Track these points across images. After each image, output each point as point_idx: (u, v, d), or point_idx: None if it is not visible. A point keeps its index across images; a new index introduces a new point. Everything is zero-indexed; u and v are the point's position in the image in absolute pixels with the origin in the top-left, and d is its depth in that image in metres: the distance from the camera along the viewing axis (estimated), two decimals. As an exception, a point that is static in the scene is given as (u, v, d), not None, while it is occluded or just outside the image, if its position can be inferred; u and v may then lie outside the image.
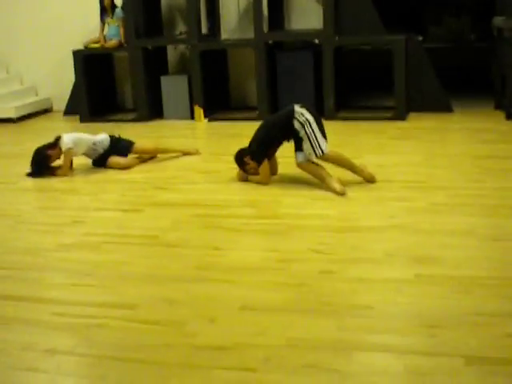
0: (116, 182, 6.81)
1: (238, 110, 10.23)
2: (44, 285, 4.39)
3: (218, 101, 10.18)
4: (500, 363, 3.17)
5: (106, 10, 10.11)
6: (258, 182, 6.26)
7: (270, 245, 4.87)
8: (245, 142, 7.03)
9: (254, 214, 5.57)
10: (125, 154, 7.31)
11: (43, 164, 7.02)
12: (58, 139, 7.06)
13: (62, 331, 3.78)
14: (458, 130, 8.59)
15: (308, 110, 6.10)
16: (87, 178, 6.96)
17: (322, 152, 5.94)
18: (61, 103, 11.17)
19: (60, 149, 7.02)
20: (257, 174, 6.29)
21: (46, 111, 11.36)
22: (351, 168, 6.06)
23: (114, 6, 10.09)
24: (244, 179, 6.39)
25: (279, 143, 6.29)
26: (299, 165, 6.09)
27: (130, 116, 10.23)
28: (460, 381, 3.06)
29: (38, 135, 9.61)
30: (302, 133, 5.98)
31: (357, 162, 6.16)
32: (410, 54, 9.23)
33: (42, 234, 5.35)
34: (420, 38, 10.60)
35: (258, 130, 6.32)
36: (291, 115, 6.05)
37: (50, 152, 7.03)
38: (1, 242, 5.22)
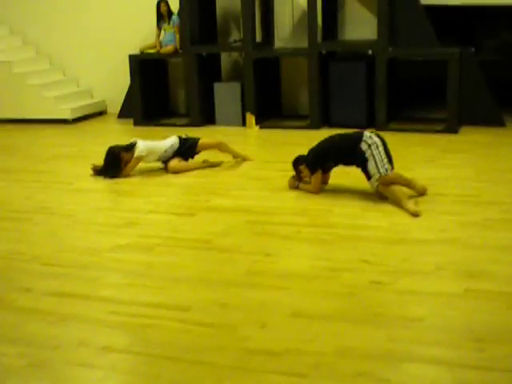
0: (170, 185, 6.95)
1: (290, 118, 10.31)
2: (100, 284, 4.52)
3: (269, 108, 10.28)
4: (550, 380, 3.19)
5: (162, 17, 10.30)
6: (309, 191, 6.32)
7: (321, 253, 4.93)
8: (296, 150, 7.12)
9: (306, 222, 5.62)
10: (190, 156, 7.48)
11: (116, 165, 7.24)
12: (133, 145, 7.29)
13: (117, 329, 3.90)
14: (510, 145, 8.53)
15: (377, 135, 6.16)
16: (142, 181, 7.10)
17: (386, 171, 5.97)
18: (115, 106, 11.41)
19: (133, 154, 7.23)
20: (309, 183, 6.36)
21: (101, 113, 11.61)
22: (407, 184, 6.06)
23: (170, 13, 10.27)
24: (294, 187, 6.46)
25: (337, 162, 6.33)
26: (377, 192, 6.05)
27: (183, 121, 10.38)
28: (509, 396, 3.09)
29: (92, 137, 9.87)
30: (368, 153, 6.03)
31: (408, 175, 6.18)
32: (464, 66, 9.20)
33: (97, 234, 5.50)
34: (473, 50, 10.57)
35: (322, 142, 6.39)
36: (360, 138, 6.11)
37: (124, 155, 7.25)
38: (59, 241, 5.38)
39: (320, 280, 4.43)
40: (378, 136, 6.16)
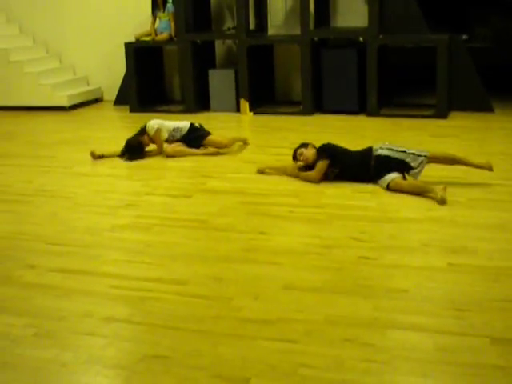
0: (167, 169, 7.17)
1: (283, 104, 10.52)
2: (102, 261, 4.74)
3: (263, 95, 10.48)
4: (524, 344, 3.43)
5: (157, 5, 10.49)
6: (309, 179, 6.38)
7: (312, 231, 5.16)
8: (289, 135, 7.36)
9: (298, 202, 5.85)
10: (196, 146, 7.67)
11: (140, 150, 7.56)
12: (143, 128, 7.63)
13: (119, 302, 4.12)
14: (497, 130, 8.77)
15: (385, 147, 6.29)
16: (139, 165, 7.31)
17: (426, 154, 6.11)
18: (111, 93, 11.60)
19: (148, 135, 7.56)
20: (302, 169, 6.52)
21: (97, 101, 11.80)
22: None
23: (165, 1, 10.46)
24: (291, 174, 6.59)
25: (343, 171, 6.38)
26: (391, 186, 6.03)
27: (178, 107, 10.57)
28: (485, 358, 3.32)
29: (89, 123, 10.07)
30: (394, 155, 6.16)
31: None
32: (453, 53, 9.41)
33: (97, 216, 5.71)
34: (465, 37, 10.76)
35: (341, 148, 6.50)
36: (370, 153, 6.26)
37: (141, 138, 7.57)
38: (61, 222, 5.60)
39: (311, 256, 4.66)
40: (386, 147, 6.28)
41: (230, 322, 3.78)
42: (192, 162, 7.33)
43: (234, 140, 7.85)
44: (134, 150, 7.52)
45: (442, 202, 5.60)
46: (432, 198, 5.72)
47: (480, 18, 15.11)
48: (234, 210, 5.73)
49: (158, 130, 7.58)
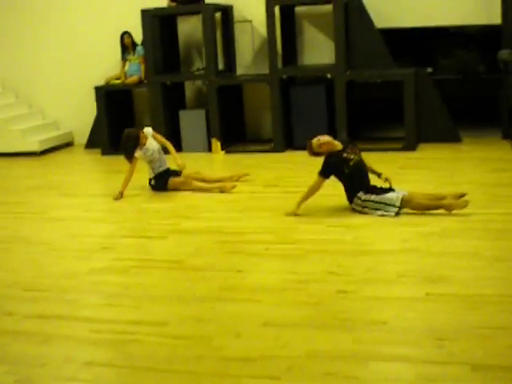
0: (141, 211, 7.18)
1: (254, 142, 10.60)
2: (80, 305, 4.71)
3: (234, 134, 10.56)
4: (504, 370, 3.46)
5: (126, 48, 10.59)
6: (313, 192, 6.44)
7: (289, 267, 5.19)
8: (262, 173, 7.42)
9: (274, 239, 5.88)
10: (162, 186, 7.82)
11: (134, 143, 7.74)
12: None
13: (100, 346, 4.10)
14: (466, 160, 8.91)
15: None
16: (113, 208, 7.31)
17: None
18: (82, 137, 11.60)
19: (145, 137, 7.82)
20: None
21: (68, 145, 11.79)
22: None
23: (134, 44, 10.56)
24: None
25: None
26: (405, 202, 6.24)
27: (150, 149, 10.58)
28: (467, 386, 3.36)
29: (61, 168, 10.07)
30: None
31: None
32: (419, 86, 9.58)
33: (74, 260, 5.70)
34: (430, 70, 10.97)
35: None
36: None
37: (141, 134, 7.81)
38: (37, 267, 5.57)
39: (289, 292, 4.68)
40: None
41: (213, 361, 3.78)
42: (166, 203, 7.35)
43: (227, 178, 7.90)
44: (130, 139, 7.72)
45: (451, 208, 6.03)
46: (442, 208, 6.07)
47: (444, 50, 15.43)
48: (211, 249, 5.75)
49: (136, 160, 7.68)
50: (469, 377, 3.42)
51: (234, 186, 7.60)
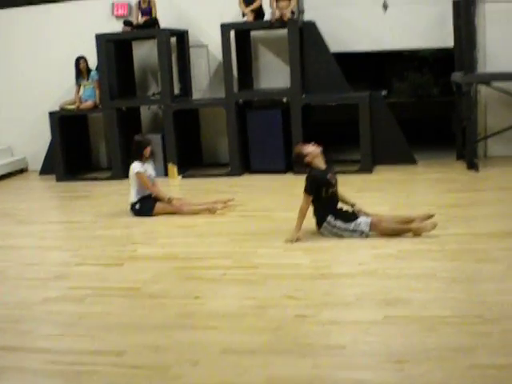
0: (96, 238, 7.06)
1: (211, 166, 10.58)
2: (34, 336, 4.60)
3: (191, 158, 10.53)
4: (463, 392, 3.46)
5: (81, 73, 10.50)
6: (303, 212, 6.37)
7: (247, 293, 5.14)
8: (219, 197, 7.37)
9: (231, 264, 5.84)
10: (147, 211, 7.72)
11: (141, 148, 7.77)
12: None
13: (55, 377, 3.99)
14: (422, 181, 9.01)
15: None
16: (68, 235, 7.20)
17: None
18: (36, 163, 11.45)
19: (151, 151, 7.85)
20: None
21: (22, 171, 11.63)
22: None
23: (89, 69, 10.48)
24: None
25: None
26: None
27: (105, 175, 10.51)
28: (427, 409, 3.34)
29: (14, 194, 9.89)
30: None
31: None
32: (374, 109, 9.67)
33: (28, 289, 5.57)
34: (384, 93, 11.09)
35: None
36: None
37: (148, 142, 7.85)
38: (-10, 297, 5.44)
39: (247, 317, 4.63)
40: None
41: (170, 391, 3.71)
42: (122, 229, 7.26)
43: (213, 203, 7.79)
44: (139, 145, 7.73)
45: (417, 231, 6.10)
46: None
47: (398, 73, 15.65)
48: (167, 275, 5.68)
49: (141, 175, 7.67)
50: (428, 400, 3.41)
51: (223, 207, 7.59)
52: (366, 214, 6.44)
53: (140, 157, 7.66)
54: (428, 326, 4.26)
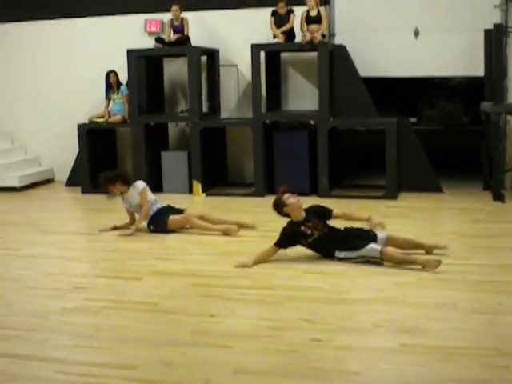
0: (116, 251, 7.08)
1: (235, 185, 10.59)
2: (48, 345, 4.60)
3: (215, 176, 10.55)
4: (476, 426, 3.40)
5: (111, 87, 10.60)
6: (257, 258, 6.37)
7: (263, 314, 5.11)
8: (241, 217, 7.36)
9: (249, 284, 5.81)
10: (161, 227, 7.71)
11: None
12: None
13: (66, 389, 3.99)
14: (447, 210, 8.93)
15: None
16: (89, 247, 7.23)
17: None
18: (63, 174, 11.54)
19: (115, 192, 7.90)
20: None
21: (49, 181, 11.73)
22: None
23: (119, 83, 10.57)
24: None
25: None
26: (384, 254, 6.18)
27: (131, 189, 10.53)
28: None
29: (40, 204, 9.98)
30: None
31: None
32: (401, 135, 9.63)
33: (45, 298, 5.59)
34: (413, 120, 11.04)
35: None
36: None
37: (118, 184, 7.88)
38: (8, 305, 5.46)
39: (262, 339, 4.60)
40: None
41: (180, 408, 3.69)
42: (142, 243, 7.28)
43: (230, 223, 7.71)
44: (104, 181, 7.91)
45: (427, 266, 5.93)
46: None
47: (428, 100, 15.59)
48: (185, 292, 5.66)
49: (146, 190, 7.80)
50: (440, 432, 3.35)
51: (238, 230, 7.50)
52: (381, 225, 6.49)
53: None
54: (444, 357, 4.20)
